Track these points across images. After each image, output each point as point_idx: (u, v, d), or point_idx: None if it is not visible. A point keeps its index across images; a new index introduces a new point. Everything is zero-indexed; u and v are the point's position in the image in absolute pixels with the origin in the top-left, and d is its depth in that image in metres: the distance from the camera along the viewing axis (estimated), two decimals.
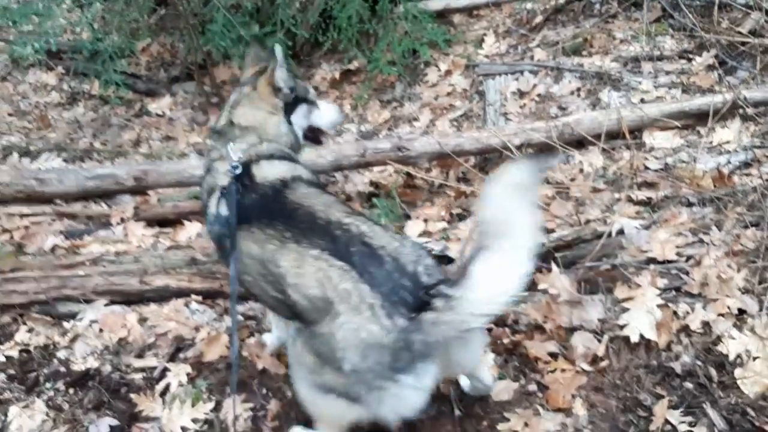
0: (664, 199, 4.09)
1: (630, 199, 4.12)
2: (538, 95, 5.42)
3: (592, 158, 4.65)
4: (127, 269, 3.86)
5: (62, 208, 4.79)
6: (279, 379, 3.37)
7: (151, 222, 4.59)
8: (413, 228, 4.29)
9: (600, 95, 5.22)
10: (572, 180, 4.46)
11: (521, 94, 5.47)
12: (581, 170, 4.63)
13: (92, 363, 3.45)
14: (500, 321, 3.54)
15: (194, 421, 3.15)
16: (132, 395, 3.25)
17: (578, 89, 5.37)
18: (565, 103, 5.25)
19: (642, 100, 4.98)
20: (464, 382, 3.20)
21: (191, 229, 4.42)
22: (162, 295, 3.73)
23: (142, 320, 3.65)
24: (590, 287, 3.59)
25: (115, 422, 3.16)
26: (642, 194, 4.16)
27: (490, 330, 3.52)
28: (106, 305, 3.66)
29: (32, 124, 6.60)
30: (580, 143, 4.81)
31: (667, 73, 5.30)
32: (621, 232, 3.86)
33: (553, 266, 3.58)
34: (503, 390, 3.24)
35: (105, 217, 4.73)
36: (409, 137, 4.72)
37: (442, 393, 3.24)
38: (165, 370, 3.41)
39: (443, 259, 3.92)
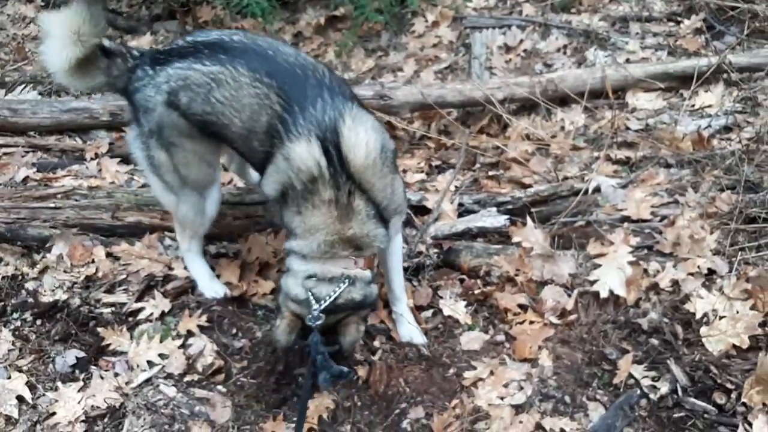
0: (642, 159, 4.06)
1: (609, 158, 4.09)
2: (525, 51, 5.33)
3: (573, 116, 4.60)
4: (100, 204, 3.76)
5: (35, 140, 4.65)
6: (249, 319, 3.32)
7: (126, 159, 4.42)
8: None
9: (586, 54, 5.14)
10: (553, 137, 4.39)
11: (507, 48, 5.37)
12: (562, 128, 4.58)
13: (61, 296, 3.38)
14: (472, 272, 3.52)
15: (161, 356, 3.12)
16: (100, 329, 3.20)
17: (565, 47, 5.28)
18: (551, 59, 5.16)
19: (627, 60, 4.91)
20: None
21: None
22: (134, 232, 3.65)
23: (114, 258, 3.55)
24: (564, 243, 3.58)
25: (81, 354, 3.12)
26: (621, 153, 4.13)
27: (461, 281, 3.50)
28: (74, 235, 3.53)
29: (9, 56, 6.37)
30: (563, 101, 4.74)
31: (655, 34, 5.22)
32: (598, 189, 3.83)
33: (528, 220, 3.54)
34: (473, 340, 3.25)
35: (79, 152, 4.60)
36: (391, 85, 4.63)
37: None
38: (136, 307, 3.36)
39: (420, 209, 3.86)
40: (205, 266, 3.42)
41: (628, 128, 4.32)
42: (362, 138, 2.54)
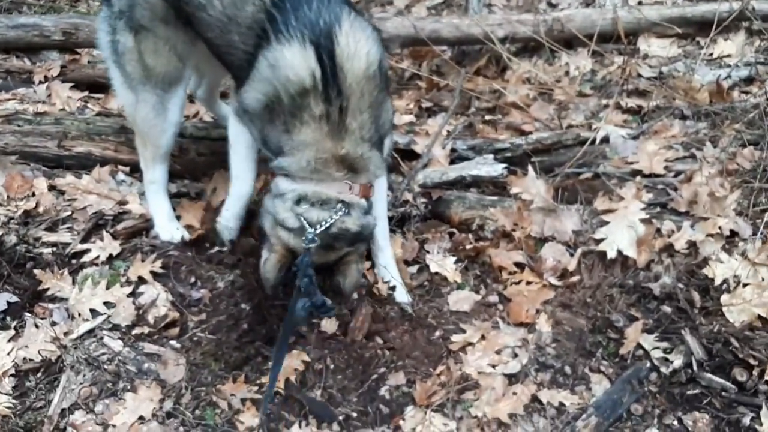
0: (655, 109, 3.74)
1: (618, 107, 3.75)
2: None
3: (579, 60, 4.26)
4: (45, 131, 3.39)
5: None
6: (209, 267, 2.96)
7: (79, 84, 4.07)
8: None
9: None
10: (557, 82, 4.03)
11: None
12: (567, 73, 4.25)
13: None
14: (463, 225, 3.22)
15: (107, 304, 2.78)
16: (37, 271, 2.84)
17: None
18: None
19: (640, 2, 4.54)
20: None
21: None
22: (83, 164, 3.34)
23: (59, 192, 3.18)
24: (567, 196, 3.28)
25: (14, 299, 2.77)
26: (632, 102, 3.81)
27: (451, 235, 3.20)
28: (12, 164, 3.13)
29: None
30: (569, 43, 4.39)
31: None
32: (606, 140, 3.53)
33: (529, 170, 3.20)
34: (462, 300, 2.97)
35: (27, 74, 4.20)
36: (381, 16, 4.20)
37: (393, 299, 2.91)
38: (81, 248, 3.00)
39: (408, 154, 3.49)
40: (167, 204, 3.09)
41: (639, 75, 3.98)
42: (362, 48, 2.28)
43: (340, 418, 2.52)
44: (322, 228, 2.37)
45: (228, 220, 2.89)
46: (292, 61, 2.25)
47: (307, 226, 2.36)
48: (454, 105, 3.66)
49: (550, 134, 3.50)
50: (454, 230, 3.23)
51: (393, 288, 2.94)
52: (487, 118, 3.85)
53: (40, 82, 4.05)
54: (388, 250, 2.94)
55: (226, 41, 2.49)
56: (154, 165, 3.00)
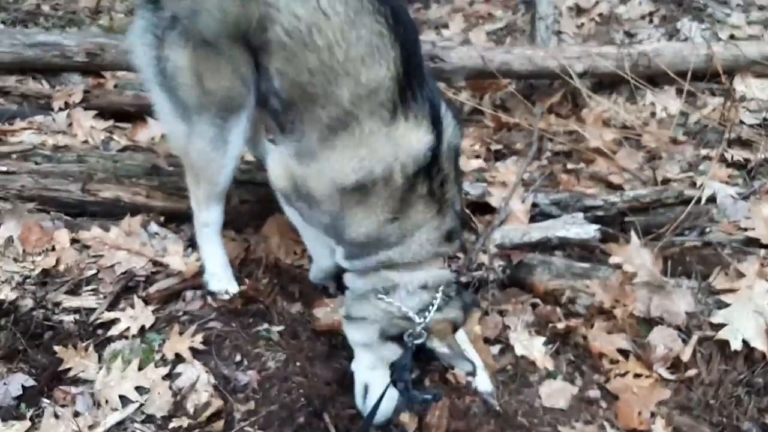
0: (764, 163, 3.31)
1: (723, 159, 3.33)
2: (600, 15, 4.57)
3: (667, 100, 3.84)
4: (67, 171, 3.06)
5: None
6: (258, 342, 2.58)
7: (104, 112, 3.74)
8: None
9: (678, 25, 4.35)
10: (645, 125, 3.64)
11: (579, 10, 4.60)
12: (653, 114, 3.84)
13: (7, 294, 2.65)
14: (549, 296, 2.88)
15: (139, 389, 2.42)
16: (57, 347, 2.44)
17: (650, 14, 4.54)
18: (634, 29, 4.43)
19: (732, 37, 4.14)
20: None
21: (155, 128, 3.51)
22: (110, 211, 3.00)
23: (82, 247, 2.85)
24: (673, 267, 2.89)
25: (30, 381, 2.39)
26: (736, 154, 3.37)
27: (534, 306, 2.87)
28: (29, 212, 2.76)
29: None
30: (652, 80, 4.01)
31: (761, 8, 4.43)
32: (712, 199, 3.11)
33: (632, 236, 2.80)
34: (556, 393, 2.60)
35: (45, 99, 3.87)
36: (444, 44, 3.85)
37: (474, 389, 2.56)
38: (108, 317, 2.65)
39: (481, 207, 3.10)
40: (221, 250, 2.76)
41: (741, 122, 3.56)
42: (452, 123, 2.26)
43: None
44: (429, 315, 2.23)
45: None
46: (420, 139, 2.14)
47: (416, 317, 2.20)
48: (532, 151, 3.27)
49: (649, 191, 3.15)
50: (538, 301, 2.89)
51: (472, 374, 2.52)
52: (569, 166, 3.43)
53: (60, 109, 3.74)
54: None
55: (324, 91, 2.12)
56: (208, 205, 2.65)
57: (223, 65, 2.30)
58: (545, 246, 3.03)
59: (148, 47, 2.36)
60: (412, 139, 2.14)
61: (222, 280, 2.70)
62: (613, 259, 2.86)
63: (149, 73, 2.41)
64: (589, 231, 2.99)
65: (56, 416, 2.32)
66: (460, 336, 2.56)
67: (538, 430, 2.46)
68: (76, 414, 2.33)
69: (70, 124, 3.63)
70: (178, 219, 3.00)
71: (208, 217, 2.67)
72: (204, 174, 2.56)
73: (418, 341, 2.16)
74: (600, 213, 3.11)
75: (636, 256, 2.82)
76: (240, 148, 2.55)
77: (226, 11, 2.20)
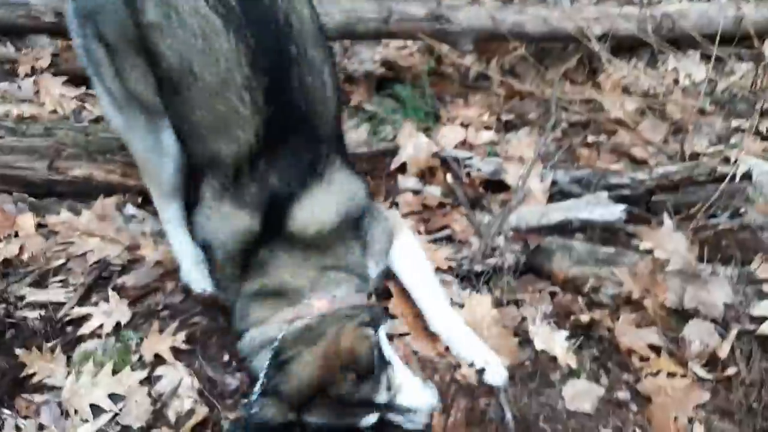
0: None
1: (756, 131, 3.08)
2: None
3: (691, 67, 3.57)
4: (33, 146, 2.83)
5: None
6: None
7: (75, 79, 3.45)
8: (449, 135, 3.22)
9: None
10: (668, 94, 3.37)
11: None
12: (676, 81, 3.57)
13: None
14: (569, 285, 2.65)
15: (113, 397, 2.20)
16: (19, 349, 2.18)
17: None
18: None
19: None
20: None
21: None
22: (81, 191, 2.78)
23: (50, 233, 2.63)
24: (709, 253, 2.63)
25: None
26: None
27: (553, 295, 2.65)
28: None
29: None
30: (675, 43, 3.71)
31: None
32: (747, 176, 2.86)
33: (665, 219, 2.56)
34: (581, 394, 2.38)
35: (9, 64, 3.64)
36: (451, 3, 3.53)
37: (488, 386, 2.34)
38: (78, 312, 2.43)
39: (495, 185, 2.88)
40: (190, 244, 2.53)
41: None
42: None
43: None
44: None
45: None
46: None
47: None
48: (551, 122, 2.99)
49: (679, 167, 2.92)
50: (557, 289, 2.67)
51: (482, 371, 2.34)
52: (590, 139, 3.17)
53: (26, 75, 3.51)
54: (450, 318, 2.42)
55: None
56: (162, 202, 2.52)
57: (133, 70, 2.17)
58: (565, 229, 2.82)
59: (76, 31, 2.27)
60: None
61: (197, 277, 2.45)
62: (643, 244, 2.61)
63: (82, 60, 2.31)
64: (614, 212, 2.76)
65: (18, 429, 2.11)
66: (456, 326, 2.41)
67: None
68: (41, 427, 2.14)
69: (37, 92, 3.39)
70: None
71: (166, 214, 2.53)
72: (146, 170, 2.48)
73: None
74: (626, 192, 2.89)
75: (668, 241, 2.61)
76: (178, 148, 2.35)
77: (120, 18, 2.06)
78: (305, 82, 2.04)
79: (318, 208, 2.08)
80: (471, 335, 2.41)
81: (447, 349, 2.44)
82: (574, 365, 2.45)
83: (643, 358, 2.43)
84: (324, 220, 2.10)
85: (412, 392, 2.06)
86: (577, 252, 2.70)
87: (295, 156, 2.06)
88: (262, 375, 1.91)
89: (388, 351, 2.09)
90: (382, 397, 1.94)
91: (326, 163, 2.12)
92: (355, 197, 2.21)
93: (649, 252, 2.62)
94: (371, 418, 1.96)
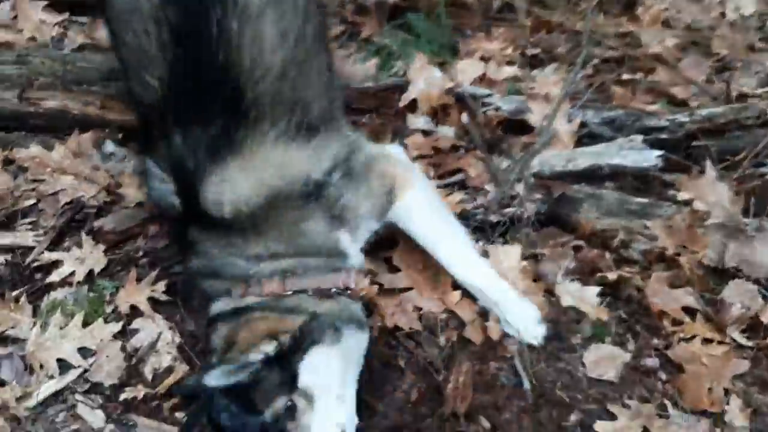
0: None
1: None
2: None
3: None
4: (3, 74, 2.64)
5: None
6: None
7: (58, 4, 3.19)
8: (467, 70, 2.97)
9: None
10: (715, 28, 3.09)
11: None
12: (722, 14, 3.34)
13: None
14: (596, 239, 2.44)
15: (83, 351, 2.07)
16: None
17: None
18: None
19: None
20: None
21: None
22: (55, 125, 2.60)
23: (18, 169, 2.49)
24: (756, 206, 2.42)
25: None
26: None
27: (577, 250, 2.44)
28: None
29: None
30: None
31: None
32: None
33: (707, 167, 2.31)
34: (605, 360, 2.20)
35: None
36: None
37: (503, 353, 2.18)
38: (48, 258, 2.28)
39: (517, 125, 2.71)
40: None
41: None
42: None
43: None
44: None
45: None
46: None
47: None
48: (581, 59, 2.72)
49: (724, 109, 2.69)
50: (583, 244, 2.46)
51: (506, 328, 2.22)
52: (624, 77, 2.91)
53: None
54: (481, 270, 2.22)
55: None
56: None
57: None
58: (594, 176, 2.59)
59: None
60: None
61: None
62: (680, 195, 2.38)
63: None
64: (649, 158, 2.54)
65: None
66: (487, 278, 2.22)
67: (581, 407, 2.09)
68: (1, 383, 2.01)
69: (15, 16, 3.14)
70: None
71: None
72: None
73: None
74: (663, 135, 2.66)
75: (709, 191, 2.43)
76: None
77: None
78: (228, 29, 1.74)
79: (231, 184, 1.79)
80: (507, 287, 2.23)
81: (458, 305, 2.27)
82: (603, 320, 2.27)
83: (675, 322, 2.26)
84: (242, 200, 1.80)
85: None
86: (607, 202, 2.51)
87: (205, 119, 1.77)
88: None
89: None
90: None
91: (250, 132, 1.80)
92: (293, 169, 1.88)
93: (688, 203, 2.43)
94: None
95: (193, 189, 1.78)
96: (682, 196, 2.42)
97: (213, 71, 1.76)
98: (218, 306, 1.86)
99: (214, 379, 1.59)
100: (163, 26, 1.72)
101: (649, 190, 2.61)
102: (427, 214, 2.21)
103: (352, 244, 2.03)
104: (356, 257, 2.05)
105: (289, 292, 1.83)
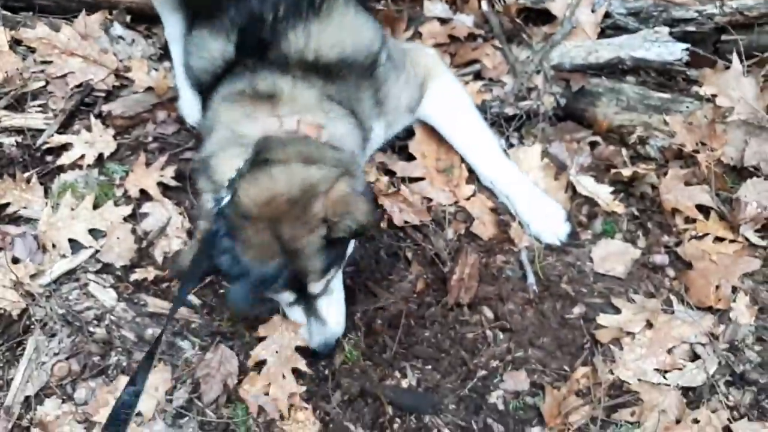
0: None
1: None
2: None
3: None
4: None
5: None
6: None
7: None
8: None
9: None
10: None
11: None
12: None
13: None
14: (614, 134, 2.45)
15: (94, 233, 2.12)
16: None
17: None
18: None
19: None
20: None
21: None
22: (62, 6, 2.58)
23: (27, 50, 2.45)
24: None
25: None
26: None
27: (593, 146, 2.46)
28: None
29: None
30: None
31: None
32: None
33: (734, 61, 2.26)
34: (614, 256, 2.24)
35: None
36: None
37: (510, 247, 2.22)
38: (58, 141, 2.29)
39: (538, 15, 2.64)
40: None
41: None
42: None
43: None
44: None
45: None
46: None
47: None
48: None
49: (757, 1, 2.52)
50: (599, 140, 2.47)
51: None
52: None
53: None
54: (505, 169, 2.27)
55: None
56: (162, 14, 2.32)
57: None
58: (615, 69, 2.56)
59: None
60: None
61: (192, 110, 2.27)
62: (704, 89, 2.33)
63: None
64: (674, 51, 2.49)
65: None
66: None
67: (586, 301, 2.14)
68: (15, 260, 2.05)
69: None
70: (150, 19, 2.52)
71: (167, 30, 2.35)
72: None
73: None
74: (690, 28, 2.58)
75: (735, 87, 2.37)
76: None
77: None
78: None
79: (314, 39, 1.85)
80: (532, 186, 2.28)
81: (469, 200, 2.30)
82: (618, 211, 2.29)
83: (688, 220, 2.29)
84: (322, 51, 1.86)
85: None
86: (627, 96, 2.50)
87: None
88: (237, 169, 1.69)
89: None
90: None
91: None
92: (362, 41, 1.95)
93: (710, 99, 2.38)
94: None
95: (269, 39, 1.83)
96: (705, 91, 2.36)
97: None
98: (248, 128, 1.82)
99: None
100: None
101: (671, 86, 2.57)
102: (454, 106, 2.27)
103: (381, 132, 2.10)
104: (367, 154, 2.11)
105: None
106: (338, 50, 1.88)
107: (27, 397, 1.87)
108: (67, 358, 1.93)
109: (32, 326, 1.97)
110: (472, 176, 2.31)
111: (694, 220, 2.24)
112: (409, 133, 2.33)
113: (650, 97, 2.45)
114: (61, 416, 1.85)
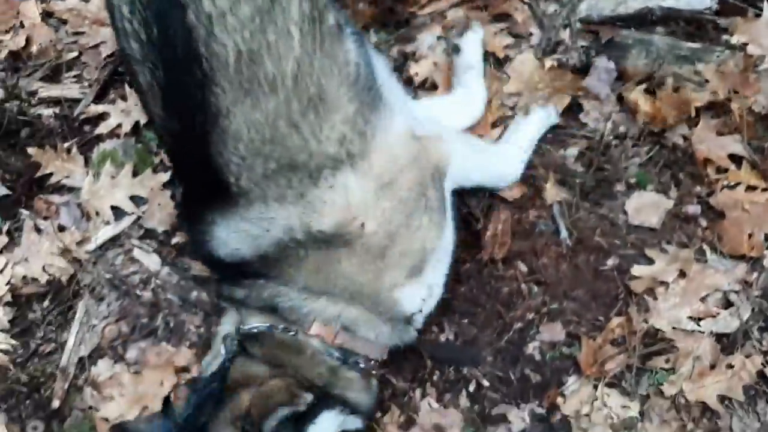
0: None
1: None
2: None
3: None
4: None
5: None
6: None
7: None
8: None
9: None
10: None
11: None
12: None
13: None
14: (641, 80, 2.41)
15: (135, 200, 2.22)
16: (32, 149, 2.15)
17: None
18: None
19: None
20: None
21: None
22: None
23: (59, 22, 2.52)
24: None
25: (3, 190, 2.14)
26: None
27: (622, 99, 2.42)
28: None
29: None
30: None
31: None
32: None
33: (765, 8, 2.31)
34: (647, 207, 2.28)
35: None
36: None
37: (543, 202, 2.28)
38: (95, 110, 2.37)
39: None
40: None
41: None
42: None
43: (471, 388, 1.93)
44: None
45: None
46: None
47: None
48: None
49: None
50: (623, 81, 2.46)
51: None
52: None
53: None
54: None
55: None
56: None
57: None
58: (645, 20, 2.54)
59: None
60: None
61: None
62: (735, 38, 2.37)
63: None
64: (704, 0, 2.45)
65: (38, 230, 2.13)
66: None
67: (619, 252, 2.21)
68: (61, 228, 2.15)
69: None
70: None
71: None
72: None
73: None
74: None
75: (767, 35, 2.33)
76: None
77: None
78: None
79: None
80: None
81: None
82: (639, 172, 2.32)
83: (720, 170, 2.30)
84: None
85: None
86: (657, 47, 2.48)
87: None
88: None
89: None
90: None
91: None
92: None
93: (742, 48, 2.38)
94: None
95: None
96: (736, 40, 2.38)
97: None
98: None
99: None
100: None
101: (701, 36, 2.56)
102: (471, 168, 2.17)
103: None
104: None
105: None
106: None
107: (81, 358, 1.99)
108: (116, 321, 2.05)
109: (81, 291, 2.08)
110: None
111: (726, 170, 2.27)
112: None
113: (680, 48, 2.46)
114: (114, 376, 1.97)
